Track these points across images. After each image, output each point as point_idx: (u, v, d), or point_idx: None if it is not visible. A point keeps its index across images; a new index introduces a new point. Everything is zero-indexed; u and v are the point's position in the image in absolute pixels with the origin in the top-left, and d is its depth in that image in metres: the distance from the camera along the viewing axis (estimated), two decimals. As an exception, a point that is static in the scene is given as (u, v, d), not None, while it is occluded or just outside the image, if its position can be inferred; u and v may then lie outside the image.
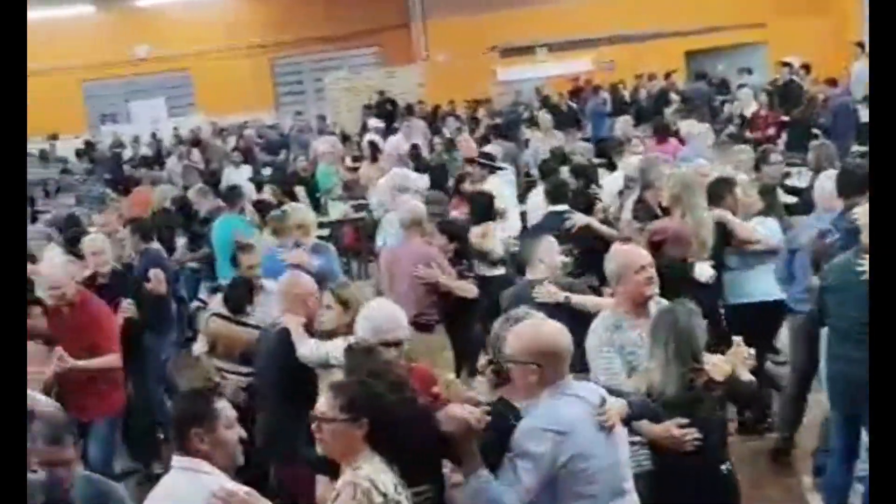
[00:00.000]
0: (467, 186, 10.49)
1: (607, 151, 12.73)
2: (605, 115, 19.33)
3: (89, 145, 24.00)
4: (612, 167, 11.43)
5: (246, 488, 3.85)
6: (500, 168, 11.41)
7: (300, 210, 8.98)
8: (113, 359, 6.87)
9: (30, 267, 8.84)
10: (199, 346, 7.13)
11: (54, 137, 25.12)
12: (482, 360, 4.67)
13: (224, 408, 3.95)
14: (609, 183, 10.25)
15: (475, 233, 8.76)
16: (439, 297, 7.73)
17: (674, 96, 19.02)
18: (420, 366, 5.13)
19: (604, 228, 8.30)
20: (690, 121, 13.67)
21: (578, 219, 8.23)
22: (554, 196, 8.70)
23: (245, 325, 6.89)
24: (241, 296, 7.05)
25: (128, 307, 7.42)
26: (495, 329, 4.52)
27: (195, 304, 10.87)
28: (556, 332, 4.12)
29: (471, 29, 25.05)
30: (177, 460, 3.92)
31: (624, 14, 24.41)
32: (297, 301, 6.02)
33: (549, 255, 6.42)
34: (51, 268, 7.20)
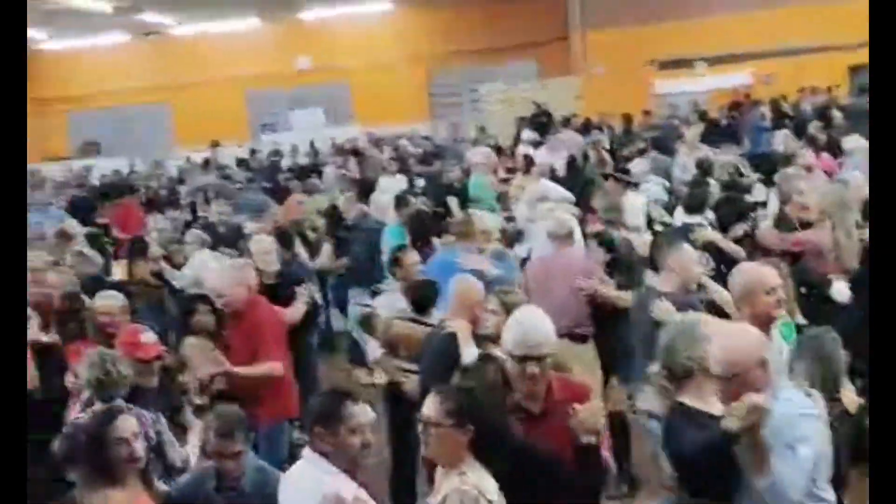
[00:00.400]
0: (598, 202, 10.40)
1: (766, 165, 12.42)
2: (765, 129, 18.82)
3: (251, 153, 24.65)
4: (769, 182, 11.14)
5: (361, 493, 3.92)
6: (635, 184, 11.30)
7: (485, 216, 9.13)
8: (275, 367, 6.95)
9: (194, 271, 9.26)
10: (375, 348, 7.19)
11: (216, 145, 26.00)
12: (653, 368, 4.64)
13: (355, 413, 4.03)
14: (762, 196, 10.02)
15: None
16: (593, 307, 7.66)
17: (835, 112, 18.39)
18: (564, 375, 5.04)
19: (730, 245, 8.08)
20: (854, 136, 13.21)
21: (703, 233, 8.07)
22: (689, 207, 8.58)
23: (426, 325, 6.90)
24: (428, 297, 7.09)
25: (305, 293, 7.70)
26: (669, 337, 4.51)
27: (357, 307, 10.86)
28: (759, 340, 4.15)
29: (629, 42, 24.82)
30: (305, 452, 4.13)
31: (785, 27, 23.77)
32: (465, 306, 6.09)
33: (682, 264, 6.26)
34: (219, 275, 7.37)
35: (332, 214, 12.66)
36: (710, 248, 7.84)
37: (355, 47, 28.71)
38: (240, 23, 28.41)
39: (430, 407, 4.00)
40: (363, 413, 4.08)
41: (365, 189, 15.88)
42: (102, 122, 30.59)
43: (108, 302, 7.01)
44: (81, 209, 18.81)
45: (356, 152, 21.97)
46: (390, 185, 16.30)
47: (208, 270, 7.90)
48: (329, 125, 28.11)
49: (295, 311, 7.94)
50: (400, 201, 11.17)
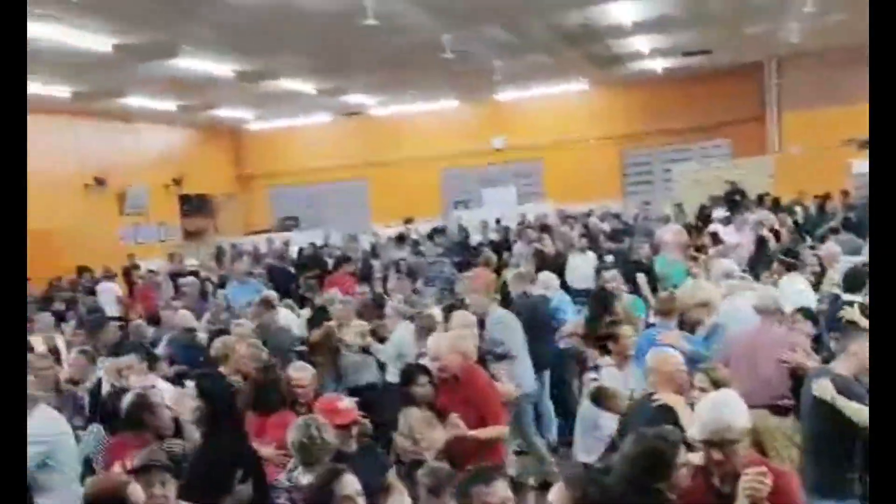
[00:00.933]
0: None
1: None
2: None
3: (441, 229, 25.21)
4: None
5: None
6: (794, 266, 11.07)
7: (707, 287, 9.18)
8: (503, 430, 7.16)
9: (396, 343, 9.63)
10: (609, 421, 7.16)
11: (410, 221, 26.74)
12: None
13: None
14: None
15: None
16: (794, 379, 7.52)
17: None
18: (763, 459, 4.94)
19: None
20: None
21: (848, 312, 7.83)
22: (847, 285, 8.42)
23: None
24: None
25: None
26: None
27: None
28: None
29: (825, 122, 24.21)
30: None
31: None
32: (665, 377, 6.07)
33: (863, 351, 6.07)
34: (437, 342, 7.50)
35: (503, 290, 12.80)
36: (852, 326, 7.63)
37: (549, 126, 29.09)
38: (438, 104, 29.26)
39: (555, 494, 4.05)
40: None
41: (555, 265, 16.08)
42: (302, 197, 31.96)
43: (301, 374, 7.38)
44: (280, 279, 19.67)
45: (546, 228, 22.15)
46: (579, 262, 16.42)
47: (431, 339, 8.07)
48: (520, 202, 28.51)
49: (507, 389, 8.12)
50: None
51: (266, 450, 6.38)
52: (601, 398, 6.80)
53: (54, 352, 10.85)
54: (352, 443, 5.99)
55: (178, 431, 6.44)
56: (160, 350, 10.84)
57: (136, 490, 4.19)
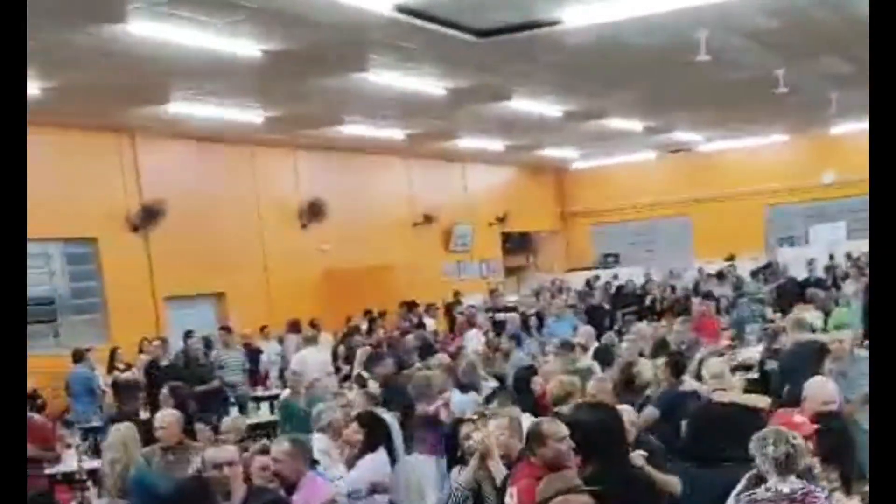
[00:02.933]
0: None
1: None
2: None
3: (767, 266, 24.57)
4: None
5: None
6: None
7: None
8: None
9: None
10: None
11: (731, 258, 26.14)
12: None
13: None
14: None
15: None
16: None
17: None
18: None
19: None
20: None
21: None
22: None
23: None
24: None
25: None
26: None
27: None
28: None
29: None
30: None
31: None
32: None
33: None
34: None
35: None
36: None
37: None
38: (766, 139, 28.43)
39: None
40: None
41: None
42: (624, 234, 31.90)
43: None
44: (596, 315, 19.83)
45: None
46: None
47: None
48: (851, 238, 27.21)
49: None
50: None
51: None
52: None
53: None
54: None
55: None
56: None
57: None
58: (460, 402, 9.70)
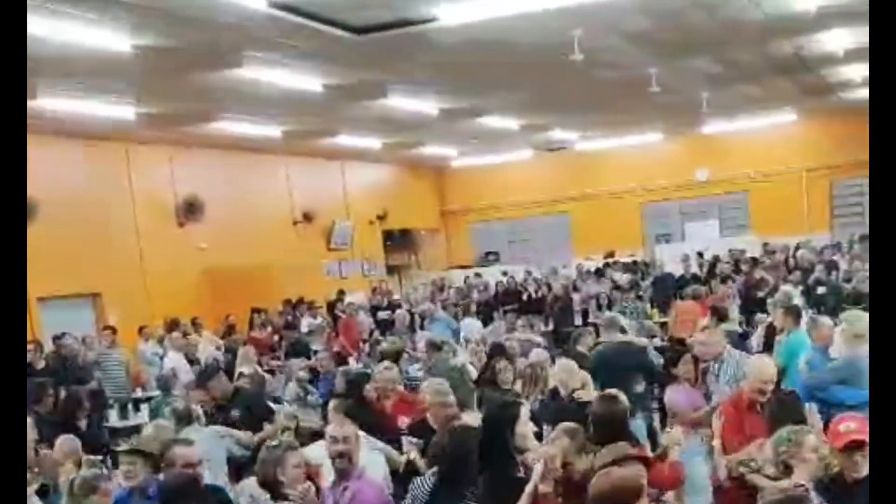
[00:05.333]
0: None
1: None
2: None
3: (634, 264, 25.30)
4: None
5: None
6: None
7: None
8: None
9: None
10: None
11: (610, 255, 26.69)
12: None
13: None
14: None
15: None
16: None
17: None
18: None
19: None
20: None
21: None
22: None
23: None
24: None
25: None
26: None
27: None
28: None
29: None
30: None
31: None
32: None
33: None
34: None
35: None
36: None
37: (755, 158, 28.41)
38: (642, 137, 29.05)
39: None
40: None
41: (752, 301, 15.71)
42: (503, 232, 32.20)
43: None
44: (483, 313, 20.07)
45: (754, 261, 21.83)
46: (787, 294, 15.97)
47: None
48: (724, 236, 28.01)
49: None
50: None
51: None
52: None
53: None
54: None
55: None
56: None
57: None
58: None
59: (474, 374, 11.18)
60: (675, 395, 8.59)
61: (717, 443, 7.12)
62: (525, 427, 5.95)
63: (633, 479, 4.55)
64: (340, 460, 5.94)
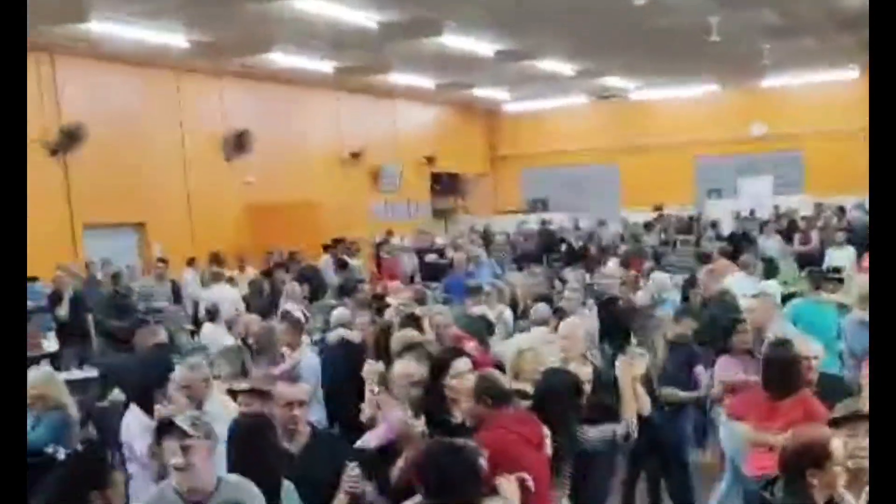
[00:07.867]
0: None
1: None
2: None
3: (695, 218, 24.74)
4: None
5: None
6: None
7: None
8: None
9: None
10: None
11: (659, 208, 26.25)
12: None
13: None
14: None
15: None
16: None
17: None
18: None
19: None
20: None
21: None
22: None
23: None
24: None
25: None
26: None
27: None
28: None
29: None
30: None
31: None
32: None
33: None
34: None
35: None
36: None
37: (813, 115, 27.74)
38: (698, 89, 28.47)
39: None
40: None
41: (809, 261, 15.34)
42: (553, 179, 31.76)
43: None
44: (521, 260, 19.76)
45: (807, 220, 21.40)
46: (839, 256, 15.65)
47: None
48: (777, 193, 27.48)
49: None
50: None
51: None
52: None
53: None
54: None
55: None
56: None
57: None
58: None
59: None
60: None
61: None
62: None
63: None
64: None
